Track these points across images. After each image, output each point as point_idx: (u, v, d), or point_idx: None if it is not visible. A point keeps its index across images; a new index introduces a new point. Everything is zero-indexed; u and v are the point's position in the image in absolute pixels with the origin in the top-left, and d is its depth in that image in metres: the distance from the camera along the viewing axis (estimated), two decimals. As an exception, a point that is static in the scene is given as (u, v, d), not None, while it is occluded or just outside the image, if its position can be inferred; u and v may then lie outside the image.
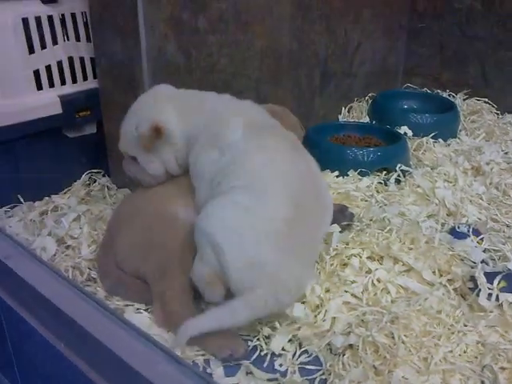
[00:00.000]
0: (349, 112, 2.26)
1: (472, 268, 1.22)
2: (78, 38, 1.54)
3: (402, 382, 0.94)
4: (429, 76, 2.44)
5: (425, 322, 1.07)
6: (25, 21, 1.42)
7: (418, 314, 1.09)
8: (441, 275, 1.22)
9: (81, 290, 0.97)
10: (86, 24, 1.54)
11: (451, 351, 1.02)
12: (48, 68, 1.50)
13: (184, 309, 1.07)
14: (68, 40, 1.51)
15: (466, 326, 1.08)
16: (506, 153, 1.89)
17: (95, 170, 1.68)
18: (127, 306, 1.17)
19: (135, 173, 1.26)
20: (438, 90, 2.41)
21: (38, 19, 1.44)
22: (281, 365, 1.02)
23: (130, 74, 1.40)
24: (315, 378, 1.00)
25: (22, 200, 1.54)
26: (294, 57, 1.84)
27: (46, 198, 1.60)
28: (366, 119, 2.17)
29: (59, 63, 1.51)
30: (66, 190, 1.63)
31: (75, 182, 1.66)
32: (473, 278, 1.16)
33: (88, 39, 1.54)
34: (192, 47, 1.47)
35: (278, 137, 1.18)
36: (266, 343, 1.06)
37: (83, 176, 1.66)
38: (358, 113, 2.25)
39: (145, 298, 1.15)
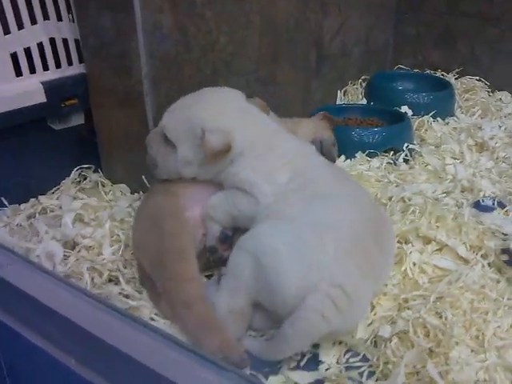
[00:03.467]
0: (344, 95, 2.22)
1: (504, 241, 1.18)
2: (59, 18, 1.41)
3: (460, 362, 0.89)
4: (419, 56, 2.43)
5: (471, 299, 1.03)
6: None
7: (462, 291, 1.05)
8: (473, 251, 1.18)
9: (88, 295, 0.87)
10: (67, 2, 1.41)
11: (499, 326, 0.98)
12: (27, 51, 1.36)
13: (192, 300, 0.98)
14: (48, 19, 1.38)
15: (510, 299, 1.05)
16: (505, 128, 1.89)
17: (85, 166, 1.55)
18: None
19: (159, 154, 1.13)
20: (430, 70, 2.39)
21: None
22: (327, 369, 0.94)
23: (123, 52, 1.29)
24: (363, 372, 0.93)
25: (5, 203, 1.41)
26: (290, 37, 1.78)
27: (32, 199, 1.47)
28: (364, 101, 2.14)
29: (40, 46, 1.38)
30: (54, 189, 1.51)
31: (64, 180, 1.53)
32: (506, 251, 1.13)
33: (72, 19, 1.42)
34: (189, 22, 1.37)
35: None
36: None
37: (73, 173, 1.53)
38: (353, 96, 2.21)
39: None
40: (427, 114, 1.92)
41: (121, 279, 1.14)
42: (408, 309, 1.03)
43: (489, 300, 1.03)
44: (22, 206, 1.45)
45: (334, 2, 1.99)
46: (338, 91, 2.18)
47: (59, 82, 1.41)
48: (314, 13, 1.86)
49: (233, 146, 1.06)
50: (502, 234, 1.21)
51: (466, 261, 1.16)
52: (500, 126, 1.89)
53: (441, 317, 0.98)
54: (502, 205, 1.32)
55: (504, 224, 1.22)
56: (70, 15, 1.43)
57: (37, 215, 1.41)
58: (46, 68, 1.41)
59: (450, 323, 0.96)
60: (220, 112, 1.09)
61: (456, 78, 2.32)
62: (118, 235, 1.28)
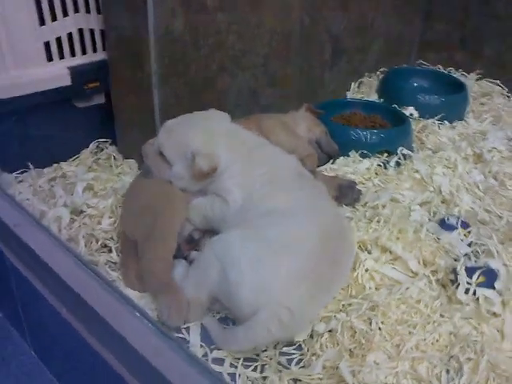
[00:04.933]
0: (359, 87, 2.30)
1: (455, 261, 1.30)
2: (88, 10, 1.60)
3: (373, 365, 1.05)
4: (443, 53, 2.46)
5: (403, 311, 1.17)
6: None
7: (398, 303, 1.19)
8: (425, 265, 1.32)
9: (81, 260, 1.09)
10: (96, -4, 1.59)
11: (424, 340, 1.12)
12: (58, 39, 1.57)
13: (159, 273, 1.18)
14: (78, 12, 1.57)
15: (442, 316, 1.18)
16: (511, 139, 1.93)
17: (103, 139, 1.77)
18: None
19: (154, 166, 1.33)
20: (451, 68, 2.43)
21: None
22: (264, 350, 1.12)
23: (137, 49, 1.47)
24: (293, 359, 1.10)
25: (31, 166, 1.64)
26: (304, 33, 1.89)
27: (55, 164, 1.71)
28: (375, 96, 2.22)
29: (69, 35, 1.58)
30: (74, 157, 1.74)
31: (83, 150, 1.75)
32: (455, 271, 1.25)
33: (99, 11, 1.60)
34: (200, 24, 1.52)
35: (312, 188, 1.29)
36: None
37: (91, 144, 1.76)
38: (367, 88, 2.29)
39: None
40: (435, 117, 1.99)
41: (112, 247, 1.37)
42: (345, 308, 1.19)
43: (421, 314, 1.17)
44: (46, 169, 1.69)
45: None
46: (353, 83, 2.27)
47: (84, 67, 1.62)
48: (332, 10, 1.95)
49: (218, 167, 1.25)
50: (455, 254, 1.33)
51: (415, 274, 1.29)
52: (507, 137, 1.93)
53: (370, 323, 1.14)
54: (465, 225, 1.42)
55: (458, 245, 1.35)
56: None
57: (57, 179, 1.65)
58: (73, 54, 1.61)
59: (374, 329, 1.12)
60: (208, 137, 1.28)
61: (477, 80, 2.35)
62: (118, 207, 1.49)
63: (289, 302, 1.05)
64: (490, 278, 1.22)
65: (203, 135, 1.28)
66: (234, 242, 1.13)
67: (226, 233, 1.19)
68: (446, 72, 2.44)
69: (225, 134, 1.31)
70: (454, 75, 2.39)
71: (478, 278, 1.21)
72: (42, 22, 1.52)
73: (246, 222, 1.18)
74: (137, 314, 0.96)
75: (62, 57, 1.59)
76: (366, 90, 2.29)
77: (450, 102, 2.07)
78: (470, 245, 1.36)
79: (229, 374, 1.07)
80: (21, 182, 1.62)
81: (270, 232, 1.13)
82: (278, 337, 1.08)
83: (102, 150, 1.77)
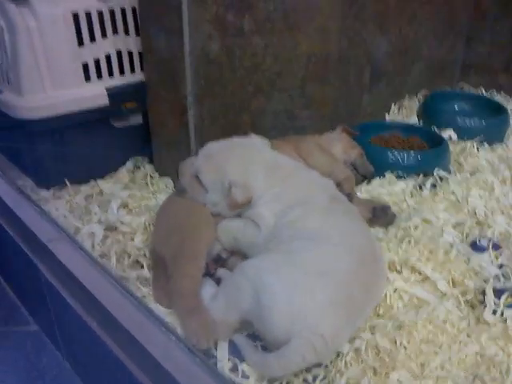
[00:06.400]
0: (399, 110, 2.34)
1: (485, 282, 1.32)
2: (127, 32, 1.69)
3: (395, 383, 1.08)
4: (486, 76, 2.47)
5: (429, 331, 1.19)
6: (75, 15, 1.58)
7: (425, 323, 1.21)
8: (454, 286, 1.34)
9: (112, 276, 1.16)
10: (135, 18, 1.69)
11: (449, 359, 1.14)
12: (97, 60, 1.66)
13: (188, 292, 1.22)
14: (117, 33, 1.67)
15: (469, 336, 1.20)
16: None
17: (140, 156, 1.87)
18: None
19: (190, 188, 1.39)
20: (493, 90, 2.44)
21: (88, 14, 1.60)
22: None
23: (174, 71, 1.56)
24: (317, 376, 1.13)
25: (67, 183, 1.74)
26: (342, 55, 1.94)
27: (92, 181, 1.80)
28: (415, 118, 2.25)
29: (107, 56, 1.68)
30: (111, 174, 1.84)
31: (120, 167, 1.85)
32: (483, 292, 1.27)
33: (137, 33, 1.70)
34: (236, 47, 1.60)
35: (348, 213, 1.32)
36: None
37: (128, 162, 1.86)
38: (407, 111, 2.33)
39: None
40: (473, 139, 2.02)
41: (144, 264, 1.43)
42: (373, 327, 1.21)
43: (447, 334, 1.19)
44: (83, 187, 1.78)
45: (394, 23, 2.11)
46: (393, 104, 2.31)
47: (121, 88, 1.72)
48: (370, 33, 2.01)
49: (253, 197, 1.32)
50: (486, 275, 1.35)
51: (443, 295, 1.31)
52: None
53: (395, 342, 1.17)
54: (497, 247, 1.44)
55: (489, 266, 1.37)
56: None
57: (93, 196, 1.74)
58: (111, 74, 1.71)
59: (398, 348, 1.14)
60: (246, 167, 1.34)
61: (519, 103, 2.36)
62: (151, 225, 1.56)
63: (323, 329, 1.07)
64: (519, 299, 1.23)
65: (241, 165, 1.34)
66: (268, 267, 1.15)
67: (258, 257, 1.22)
68: (487, 95, 2.45)
69: (263, 162, 1.36)
70: (496, 98, 2.40)
71: (506, 299, 1.22)
72: (81, 43, 1.61)
73: (279, 246, 1.22)
74: (164, 329, 1.02)
75: (99, 77, 1.68)
76: (406, 112, 2.33)
77: (490, 124, 2.09)
78: (500, 267, 1.37)
79: (253, 388, 1.10)
80: (58, 198, 1.71)
81: (304, 257, 1.16)
82: (312, 362, 1.10)
83: (139, 167, 1.86)
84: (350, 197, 1.54)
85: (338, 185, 1.48)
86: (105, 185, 1.78)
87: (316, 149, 1.71)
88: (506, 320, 1.21)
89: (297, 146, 1.68)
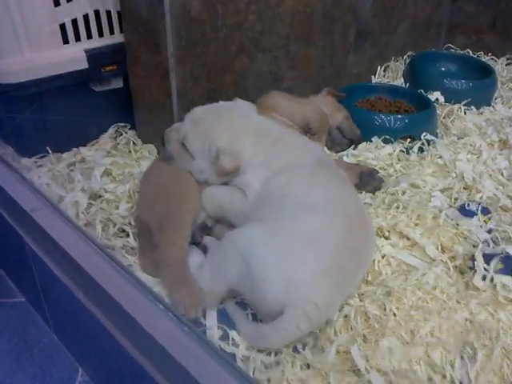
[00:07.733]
0: (385, 71, 2.31)
1: (474, 247, 1.32)
2: (104, -10, 1.61)
3: (386, 351, 1.08)
4: (472, 36, 2.44)
5: (419, 297, 1.19)
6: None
7: (414, 289, 1.21)
8: (443, 252, 1.33)
9: (97, 245, 1.13)
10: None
11: (439, 325, 1.14)
12: (74, 22, 1.59)
13: (174, 261, 1.21)
14: (94, -8, 1.59)
15: (458, 303, 1.20)
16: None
17: (122, 124, 1.82)
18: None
19: (177, 155, 1.36)
20: (481, 52, 2.41)
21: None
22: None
23: (154, 31, 1.49)
24: (307, 344, 1.13)
25: (49, 151, 1.69)
26: (327, 12, 1.89)
27: (74, 149, 1.75)
28: (401, 80, 2.23)
29: (85, 17, 1.61)
30: (93, 142, 1.78)
31: (102, 134, 1.80)
32: (473, 257, 1.26)
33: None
34: (218, 4, 1.54)
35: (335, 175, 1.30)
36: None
37: (110, 129, 1.80)
38: (393, 73, 2.30)
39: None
40: (461, 102, 1.99)
41: (129, 232, 1.41)
42: (362, 294, 1.21)
43: (437, 300, 1.19)
44: (65, 154, 1.74)
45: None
46: (379, 67, 2.28)
47: (100, 50, 1.65)
48: (356, -9, 1.95)
49: (241, 165, 1.29)
50: (474, 240, 1.34)
51: (432, 260, 1.31)
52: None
53: (385, 309, 1.16)
54: (486, 211, 1.43)
55: (477, 231, 1.36)
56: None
57: (76, 164, 1.69)
58: (89, 36, 1.64)
59: (388, 315, 1.14)
60: (233, 134, 1.31)
61: (507, 65, 2.34)
62: (136, 193, 1.53)
63: (317, 298, 1.06)
64: (508, 264, 1.23)
65: (229, 131, 1.31)
66: (258, 237, 1.14)
67: (247, 226, 1.20)
68: (474, 56, 2.42)
69: (251, 128, 1.33)
70: (483, 59, 2.37)
71: (496, 264, 1.22)
72: (57, 3, 1.54)
73: (268, 215, 1.19)
74: (151, 298, 1.00)
75: (78, 39, 1.61)
76: (392, 74, 2.30)
77: (478, 86, 2.07)
78: (489, 231, 1.37)
79: (243, 356, 1.10)
80: (40, 166, 1.67)
81: (293, 226, 1.14)
82: (307, 331, 1.09)
83: (121, 134, 1.81)
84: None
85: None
86: (87, 152, 1.73)
87: (284, 98, 1.68)
88: (495, 286, 1.20)
89: (265, 104, 1.64)
